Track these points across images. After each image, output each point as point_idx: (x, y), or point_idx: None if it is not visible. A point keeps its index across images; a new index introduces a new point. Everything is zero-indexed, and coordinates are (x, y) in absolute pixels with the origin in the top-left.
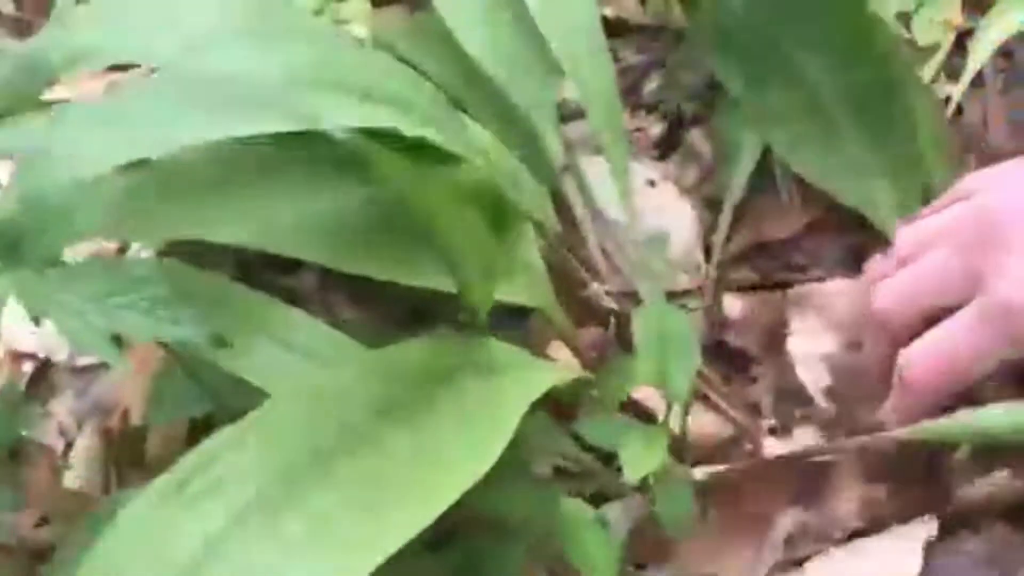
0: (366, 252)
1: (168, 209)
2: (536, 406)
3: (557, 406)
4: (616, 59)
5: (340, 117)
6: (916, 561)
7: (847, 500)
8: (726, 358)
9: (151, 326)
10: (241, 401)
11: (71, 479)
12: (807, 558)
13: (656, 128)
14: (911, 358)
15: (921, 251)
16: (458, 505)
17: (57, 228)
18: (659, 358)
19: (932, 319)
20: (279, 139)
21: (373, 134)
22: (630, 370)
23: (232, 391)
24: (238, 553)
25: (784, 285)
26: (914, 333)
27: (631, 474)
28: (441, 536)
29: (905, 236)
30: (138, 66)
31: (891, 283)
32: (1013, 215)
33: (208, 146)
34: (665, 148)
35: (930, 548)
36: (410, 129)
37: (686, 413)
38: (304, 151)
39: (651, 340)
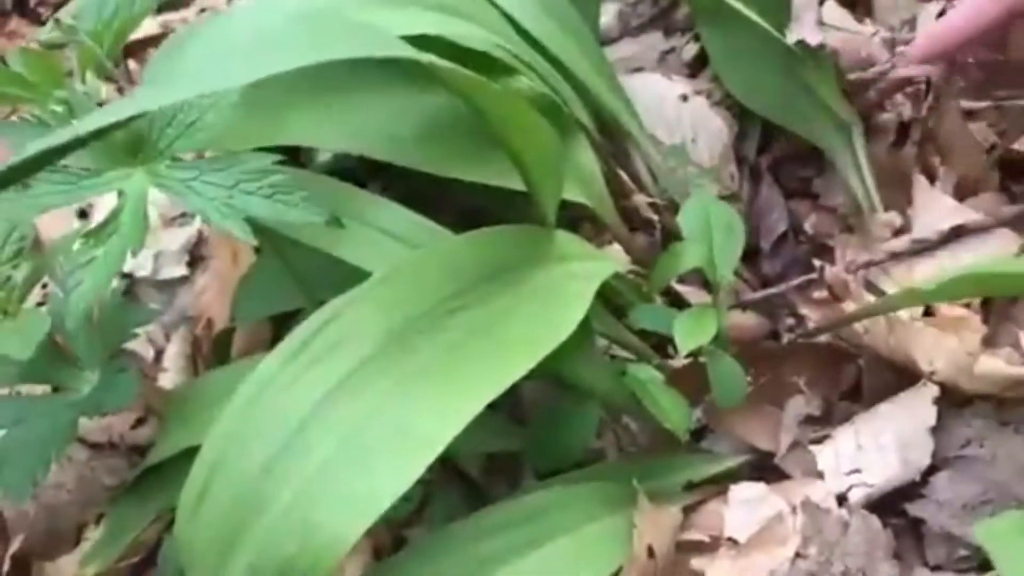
0: (445, 155)
1: (255, 116)
2: (595, 297)
3: (610, 303)
4: None
5: (414, 27)
6: (931, 413)
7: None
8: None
9: (274, 209)
10: (332, 291)
11: (165, 381)
12: (832, 427)
13: (688, 49)
14: None
15: None
16: (537, 367)
17: (182, 127)
18: (706, 242)
19: None
20: None
21: (443, 47)
22: (680, 254)
23: (324, 282)
24: (353, 403)
25: (816, 196)
26: None
27: (683, 345)
28: (521, 411)
29: None
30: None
31: None
32: None
33: None
34: (696, 66)
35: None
36: (480, 43)
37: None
38: (386, 66)
39: (699, 226)
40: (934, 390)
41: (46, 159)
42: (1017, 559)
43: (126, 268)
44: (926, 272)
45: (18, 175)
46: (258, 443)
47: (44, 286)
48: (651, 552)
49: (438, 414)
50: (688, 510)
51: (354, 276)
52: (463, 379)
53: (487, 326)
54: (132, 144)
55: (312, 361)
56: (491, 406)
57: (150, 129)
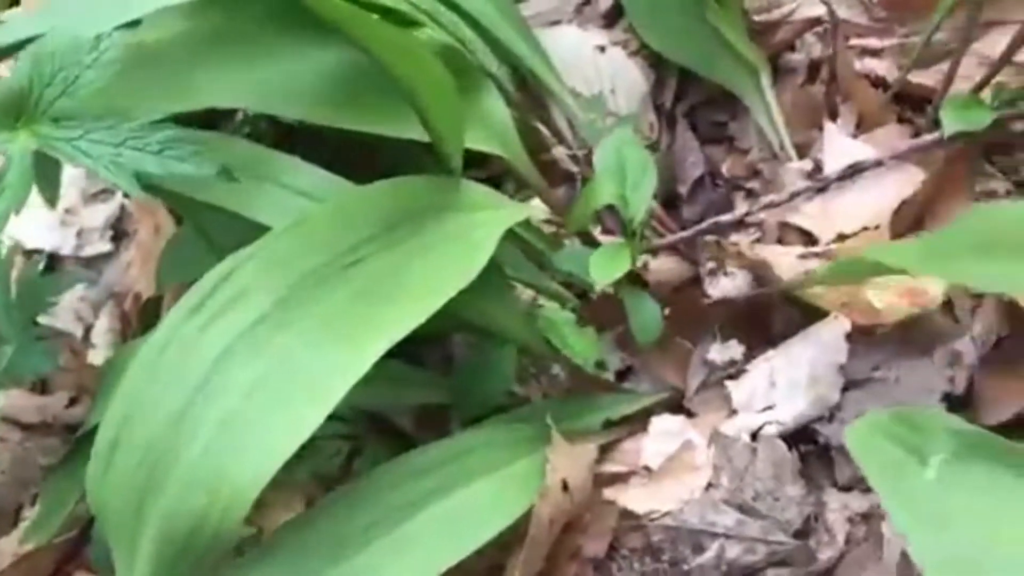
0: (350, 109)
1: (159, 77)
2: (512, 244)
3: (531, 254)
4: None
5: None
6: (842, 350)
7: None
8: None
9: (164, 165)
10: None
11: (95, 358)
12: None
13: (603, 0)
14: None
15: None
16: (450, 315)
17: (62, 86)
18: (619, 180)
19: None
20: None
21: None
22: (594, 192)
23: (239, 245)
24: (254, 355)
25: (731, 139)
26: None
27: (599, 278)
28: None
29: None
30: None
31: None
32: None
33: (193, 14)
34: (612, 17)
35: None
36: None
37: (640, 237)
38: (285, 17)
39: (611, 165)
40: (845, 324)
41: None
42: (872, 455)
43: (48, 246)
44: (840, 207)
45: None
46: (163, 399)
47: None
48: (565, 486)
49: (339, 362)
50: (607, 447)
51: None
52: (365, 325)
53: (390, 274)
54: (14, 106)
55: (213, 316)
56: (420, 360)
57: (30, 90)
